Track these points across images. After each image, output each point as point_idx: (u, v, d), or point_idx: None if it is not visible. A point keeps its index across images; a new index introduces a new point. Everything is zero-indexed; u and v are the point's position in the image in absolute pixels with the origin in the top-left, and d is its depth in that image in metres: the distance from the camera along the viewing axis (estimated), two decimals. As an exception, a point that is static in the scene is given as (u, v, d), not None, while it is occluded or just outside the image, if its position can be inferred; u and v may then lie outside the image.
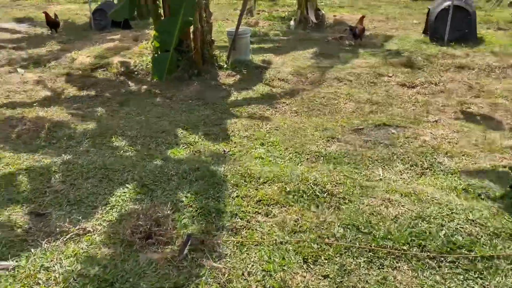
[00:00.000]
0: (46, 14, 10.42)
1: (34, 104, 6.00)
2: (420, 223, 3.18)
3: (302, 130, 5.17)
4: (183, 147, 4.73)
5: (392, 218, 3.27)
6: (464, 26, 9.52)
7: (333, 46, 9.63)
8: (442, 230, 3.08)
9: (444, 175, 4.04)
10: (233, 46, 7.79)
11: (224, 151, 4.62)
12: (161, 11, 7.46)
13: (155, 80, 7.11)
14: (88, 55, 8.34)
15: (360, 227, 3.19)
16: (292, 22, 12.22)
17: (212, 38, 7.96)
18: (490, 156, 4.36)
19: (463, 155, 4.38)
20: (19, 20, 12.53)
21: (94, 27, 11.08)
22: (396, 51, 8.77)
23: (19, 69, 7.64)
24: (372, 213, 3.33)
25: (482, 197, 3.64)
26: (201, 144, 4.82)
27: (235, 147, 4.75)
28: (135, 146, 4.72)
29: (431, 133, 5.01)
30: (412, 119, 5.47)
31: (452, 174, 4.04)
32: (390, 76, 7.14)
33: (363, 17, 10.44)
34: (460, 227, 3.09)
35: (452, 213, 3.26)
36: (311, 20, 11.83)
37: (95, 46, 9.06)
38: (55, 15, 10.71)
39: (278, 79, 7.19)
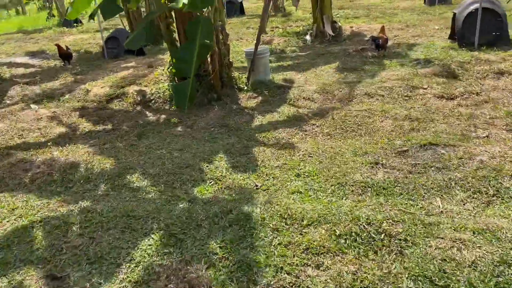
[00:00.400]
0: (58, 46, 10.24)
1: (49, 143, 5.66)
2: (506, 270, 2.63)
3: (339, 155, 4.67)
4: (210, 184, 4.28)
5: (470, 264, 2.73)
6: (494, 28, 8.96)
7: (355, 59, 9.15)
8: (538, 279, 2.52)
9: (515, 203, 3.48)
10: (252, 67, 7.38)
11: (256, 185, 4.15)
12: (175, 35, 7.14)
13: (173, 108, 6.74)
14: (102, 86, 8.04)
15: (433, 278, 2.65)
16: (308, 37, 11.84)
17: (230, 60, 7.59)
18: None
19: (532, 177, 3.81)
20: (32, 54, 12.43)
21: (107, 55, 10.87)
22: (425, 60, 8.24)
23: (32, 105, 7.36)
24: (444, 259, 2.79)
25: None
26: (229, 178, 4.35)
27: (267, 180, 4.28)
28: (158, 186, 4.28)
29: (486, 151, 4.45)
30: (460, 136, 4.92)
31: (525, 202, 3.48)
32: (425, 88, 6.61)
33: (383, 27, 9.98)
34: (560, 274, 2.53)
35: (543, 255, 2.71)
36: (328, 33, 11.43)
37: (110, 76, 8.77)
38: (67, 47, 10.54)
39: (303, 98, 6.72)
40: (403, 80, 7.03)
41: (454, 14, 9.67)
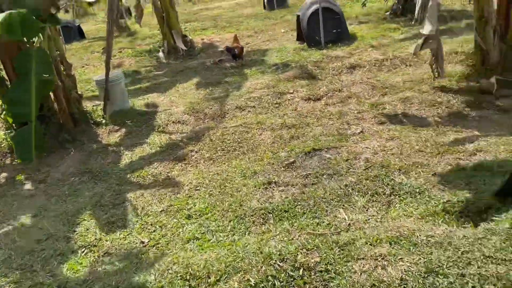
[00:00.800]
0: None
1: None
2: (437, 280, 2.47)
3: (229, 182, 4.23)
4: (83, 254, 3.43)
5: (399, 283, 2.51)
6: (335, 26, 9.59)
7: (215, 71, 8.90)
8: (467, 283, 2.41)
9: (412, 198, 3.47)
10: (107, 96, 6.51)
11: (143, 242, 3.46)
12: (3, 74, 5.88)
13: (17, 161, 5.51)
14: None
15: (370, 310, 2.37)
16: (161, 54, 11.26)
17: (79, 92, 6.60)
18: (443, 159, 3.95)
19: (416, 167, 3.89)
20: None
21: None
22: (282, 64, 8.36)
23: None
24: (373, 284, 2.54)
25: (467, 214, 3.13)
26: (106, 241, 3.56)
27: (154, 231, 3.61)
28: (12, 274, 3.27)
29: (367, 147, 4.48)
30: (337, 135, 4.92)
31: (419, 194, 3.49)
32: (292, 93, 6.61)
33: (236, 36, 9.96)
34: (484, 271, 2.46)
35: (461, 253, 2.63)
36: (180, 48, 11.01)
37: None
38: None
39: (173, 122, 6.14)
40: (268, 87, 6.94)
41: (298, 16, 10.10)
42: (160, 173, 4.71)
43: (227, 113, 6.17)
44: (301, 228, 3.26)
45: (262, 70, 8.19)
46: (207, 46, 11.84)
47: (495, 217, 2.93)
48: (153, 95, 7.64)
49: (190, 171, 4.66)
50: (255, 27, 13.83)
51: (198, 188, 4.22)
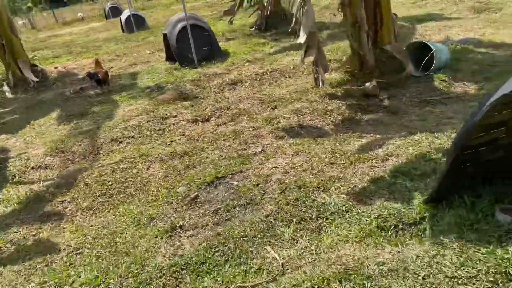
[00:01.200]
0: None
1: None
2: (407, 318, 2.08)
3: (120, 235, 3.36)
4: None
5: (367, 331, 2.06)
6: (206, 43, 9.20)
7: (78, 101, 7.72)
8: (443, 314, 2.06)
9: (341, 218, 3.09)
10: None
11: None
12: None
13: None
14: None
15: None
16: (6, 88, 9.53)
17: None
18: (357, 169, 3.69)
19: (334, 181, 3.55)
20: None
21: None
22: (156, 86, 7.62)
23: None
24: None
25: (402, 227, 2.85)
26: None
27: (25, 327, 2.59)
28: None
29: (274, 167, 4.05)
30: (238, 158, 4.41)
31: (347, 213, 3.13)
32: (175, 116, 5.91)
33: (97, 60, 8.91)
34: (455, 296, 2.14)
35: (423, 278, 2.28)
36: (30, 80, 9.44)
37: None
38: None
39: (33, 168, 4.93)
40: (147, 113, 6.14)
41: (165, 35, 9.45)
42: (24, 237, 3.59)
43: (102, 149, 5.20)
44: (228, 282, 2.62)
45: (134, 95, 7.32)
46: (63, 74, 10.41)
47: (435, 226, 2.69)
48: (1, 137, 6.19)
49: (65, 228, 3.64)
50: (116, 50, 12.77)
51: (80, 250, 3.26)
